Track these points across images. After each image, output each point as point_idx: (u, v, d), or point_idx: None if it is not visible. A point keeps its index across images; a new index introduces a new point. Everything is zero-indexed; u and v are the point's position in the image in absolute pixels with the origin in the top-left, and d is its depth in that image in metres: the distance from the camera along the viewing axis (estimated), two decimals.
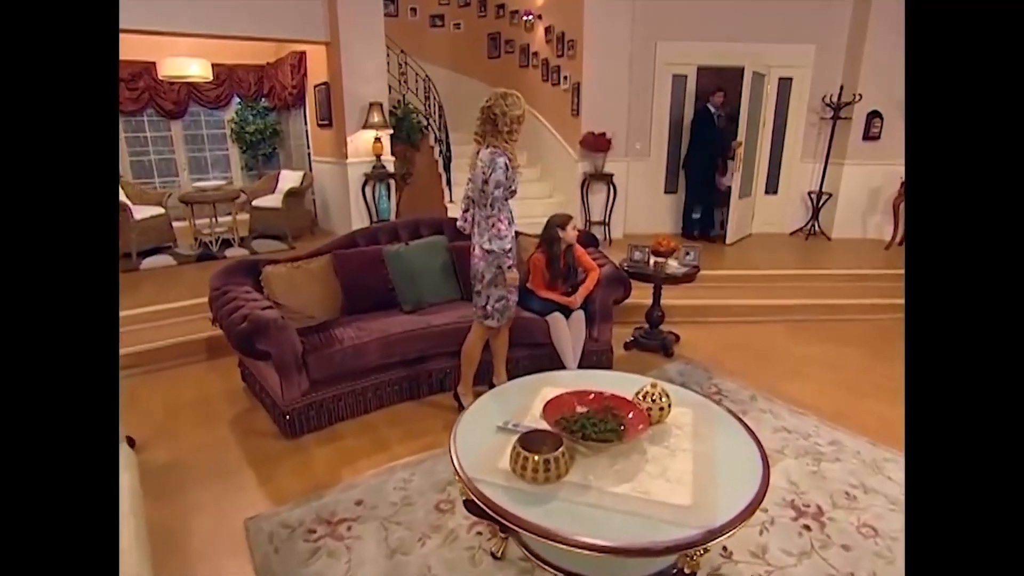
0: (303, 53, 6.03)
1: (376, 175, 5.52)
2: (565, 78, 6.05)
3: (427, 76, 6.84)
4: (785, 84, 5.82)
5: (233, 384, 3.32)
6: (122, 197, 5.02)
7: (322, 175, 6.31)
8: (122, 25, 3.54)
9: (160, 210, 5.32)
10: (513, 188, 2.53)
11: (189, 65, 5.51)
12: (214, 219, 5.49)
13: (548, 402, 1.95)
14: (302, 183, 5.94)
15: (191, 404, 3.14)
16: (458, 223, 2.74)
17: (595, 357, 3.37)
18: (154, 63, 5.68)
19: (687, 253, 3.66)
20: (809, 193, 6.11)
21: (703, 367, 3.52)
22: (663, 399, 1.97)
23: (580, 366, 3.14)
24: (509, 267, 2.57)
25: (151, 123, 6.67)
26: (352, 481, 2.45)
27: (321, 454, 2.69)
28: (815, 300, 4.53)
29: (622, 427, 1.86)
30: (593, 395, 1.97)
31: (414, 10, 7.84)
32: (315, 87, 5.95)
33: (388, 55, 6.80)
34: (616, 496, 1.63)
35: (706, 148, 5.66)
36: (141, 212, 5.10)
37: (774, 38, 5.64)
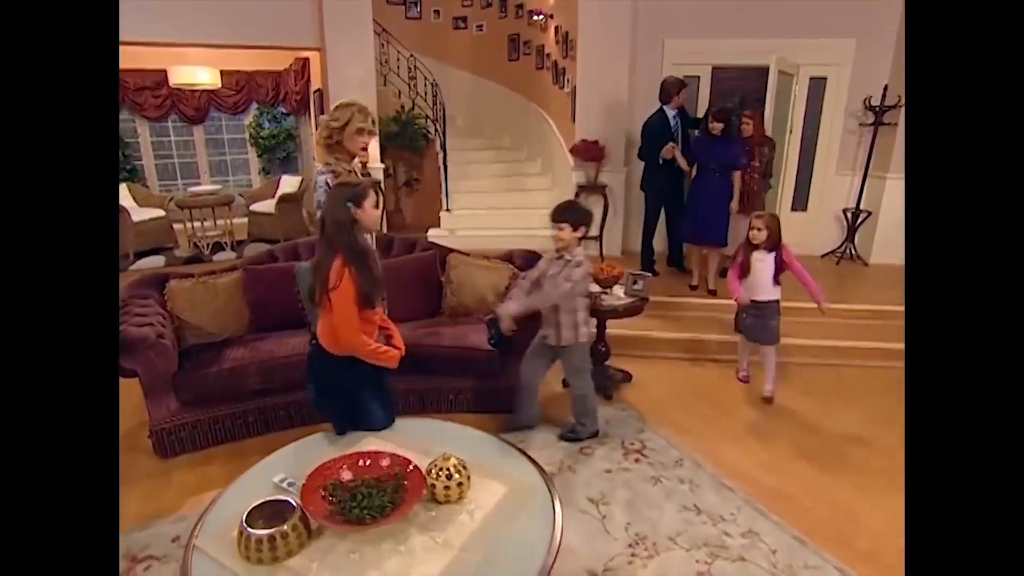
0: (307, 59, 6.09)
1: None
2: (568, 80, 5.64)
3: (434, 80, 6.68)
4: (817, 85, 5.03)
5: None
6: (123, 200, 5.29)
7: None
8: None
9: (160, 213, 5.56)
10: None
11: (197, 73, 5.72)
12: (212, 222, 5.67)
13: (320, 466, 1.67)
14: (298, 188, 6.00)
15: None
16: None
17: (513, 396, 3.00)
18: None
19: (634, 281, 3.19)
20: (844, 211, 5.26)
21: (639, 417, 3.04)
22: (455, 476, 1.63)
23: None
24: None
25: (175, 128, 7.07)
26: (186, 513, 2.31)
27: (181, 479, 2.57)
28: (820, 340, 3.84)
29: (391, 505, 1.55)
30: (368, 461, 1.66)
31: (437, 12, 7.73)
32: (314, 92, 5.99)
33: (398, 59, 6.76)
34: None
35: (662, 168, 4.50)
36: (140, 215, 5.35)
37: (806, 32, 4.89)
